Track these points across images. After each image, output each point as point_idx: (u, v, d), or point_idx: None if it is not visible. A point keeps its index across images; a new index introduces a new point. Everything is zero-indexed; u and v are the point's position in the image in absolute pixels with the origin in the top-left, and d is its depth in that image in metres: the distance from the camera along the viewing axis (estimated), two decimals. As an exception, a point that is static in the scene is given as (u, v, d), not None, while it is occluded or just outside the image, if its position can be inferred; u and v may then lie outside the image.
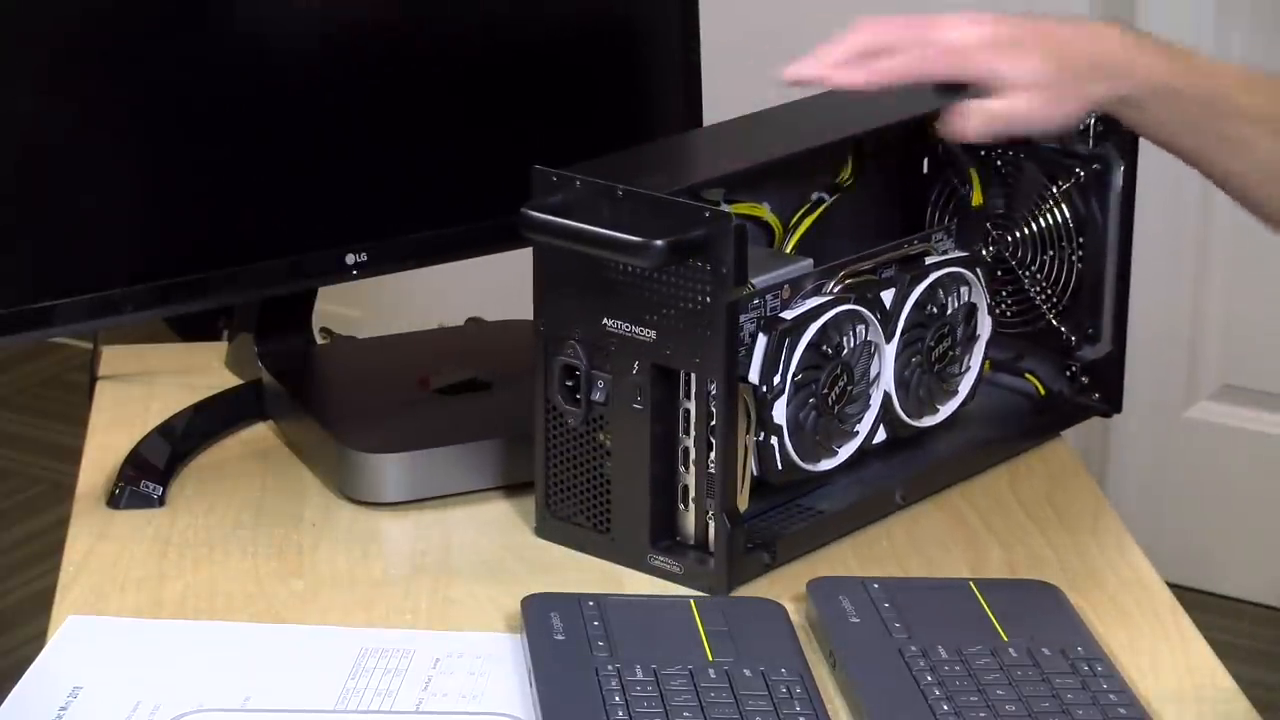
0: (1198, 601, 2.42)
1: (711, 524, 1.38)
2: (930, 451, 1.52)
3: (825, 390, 1.42)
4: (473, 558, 1.44)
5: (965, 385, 1.54)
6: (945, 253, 1.52)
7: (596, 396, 1.39)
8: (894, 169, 1.58)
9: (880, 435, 1.49)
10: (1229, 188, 1.42)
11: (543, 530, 1.45)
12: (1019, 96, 1.37)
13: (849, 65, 1.39)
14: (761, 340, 1.38)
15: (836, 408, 1.43)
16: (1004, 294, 1.59)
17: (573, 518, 1.43)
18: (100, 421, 1.64)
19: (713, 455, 1.36)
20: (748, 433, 1.37)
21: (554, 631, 1.28)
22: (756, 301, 1.38)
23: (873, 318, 1.44)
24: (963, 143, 1.47)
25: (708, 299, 1.33)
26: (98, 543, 1.45)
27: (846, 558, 1.43)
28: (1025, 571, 1.41)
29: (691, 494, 1.39)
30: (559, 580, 1.38)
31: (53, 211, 1.45)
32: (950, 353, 1.51)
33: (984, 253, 1.56)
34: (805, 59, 1.40)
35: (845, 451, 1.46)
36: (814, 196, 1.51)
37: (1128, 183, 1.53)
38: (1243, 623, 2.88)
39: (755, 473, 1.39)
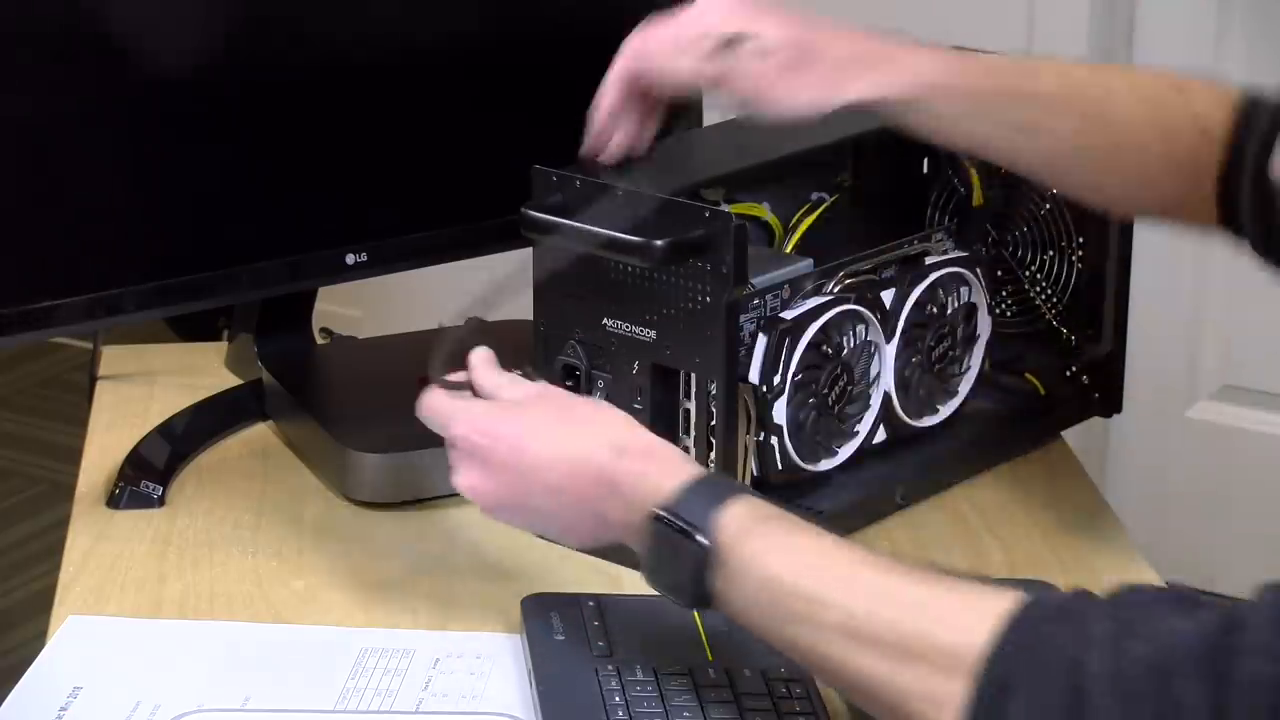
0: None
1: (711, 524, 1.38)
2: (930, 452, 1.52)
3: (825, 390, 1.42)
4: (473, 558, 1.44)
5: (965, 385, 1.54)
6: (945, 253, 1.52)
7: (596, 396, 1.39)
8: (894, 169, 1.58)
9: (880, 435, 1.48)
10: (1023, 169, 1.39)
11: (543, 530, 1.45)
12: None
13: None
14: (761, 340, 1.38)
15: (837, 408, 1.43)
16: (1004, 294, 1.59)
17: (573, 518, 1.43)
18: (100, 421, 1.64)
19: (713, 455, 1.36)
20: (748, 433, 1.37)
21: (554, 631, 1.28)
22: (756, 301, 1.38)
23: (873, 318, 1.44)
24: None
25: (708, 299, 1.33)
26: (98, 543, 1.45)
27: (846, 558, 1.43)
28: (1025, 572, 1.40)
29: (692, 494, 1.38)
30: (559, 580, 1.38)
31: (53, 211, 1.45)
32: (950, 353, 1.51)
33: (984, 253, 1.56)
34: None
35: (845, 451, 1.46)
36: (814, 196, 1.51)
37: (1128, 183, 1.53)
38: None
39: (755, 473, 1.39)
